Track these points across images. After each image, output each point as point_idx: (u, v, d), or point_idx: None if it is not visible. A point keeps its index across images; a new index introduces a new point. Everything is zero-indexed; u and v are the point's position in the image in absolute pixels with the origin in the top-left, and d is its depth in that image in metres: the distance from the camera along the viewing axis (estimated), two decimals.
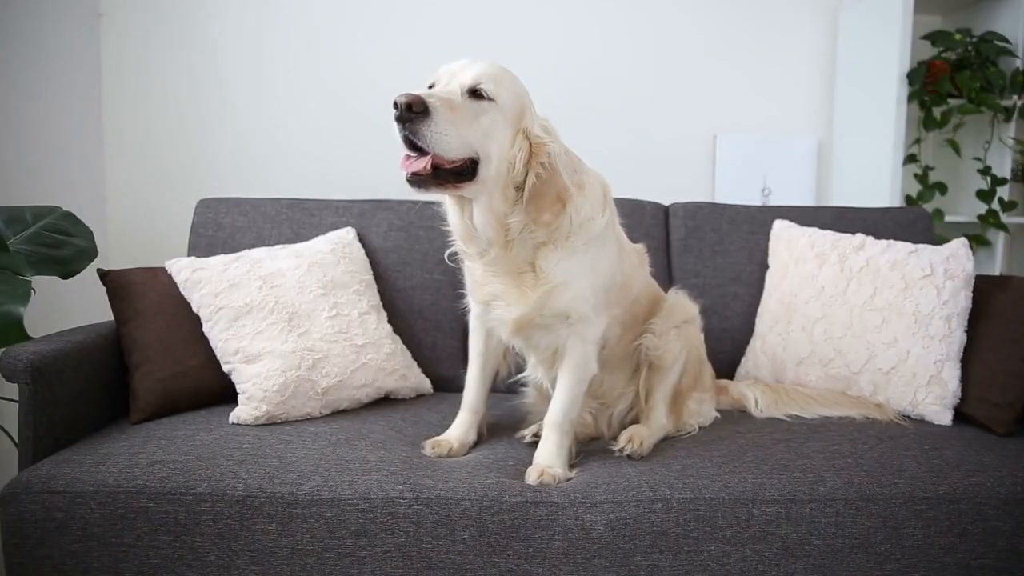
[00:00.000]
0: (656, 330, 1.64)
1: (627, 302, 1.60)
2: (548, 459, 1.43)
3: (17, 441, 1.49)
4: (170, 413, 1.68)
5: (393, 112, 1.24)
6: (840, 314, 1.85)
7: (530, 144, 1.34)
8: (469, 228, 1.40)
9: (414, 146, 1.27)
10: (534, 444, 1.52)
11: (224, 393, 1.72)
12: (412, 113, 1.23)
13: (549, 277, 1.41)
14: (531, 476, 1.39)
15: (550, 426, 1.47)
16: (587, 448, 1.58)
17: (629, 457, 1.49)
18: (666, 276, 2.17)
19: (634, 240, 2.15)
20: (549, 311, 1.44)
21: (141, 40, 2.65)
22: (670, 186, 2.72)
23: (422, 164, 1.27)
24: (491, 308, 1.49)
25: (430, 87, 1.34)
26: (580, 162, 1.49)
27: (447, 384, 1.97)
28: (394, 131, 1.27)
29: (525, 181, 1.34)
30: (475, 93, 1.30)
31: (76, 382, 1.57)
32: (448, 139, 1.26)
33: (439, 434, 1.57)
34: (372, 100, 2.75)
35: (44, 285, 1.78)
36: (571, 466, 1.46)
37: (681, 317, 1.69)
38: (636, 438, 1.52)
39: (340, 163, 2.75)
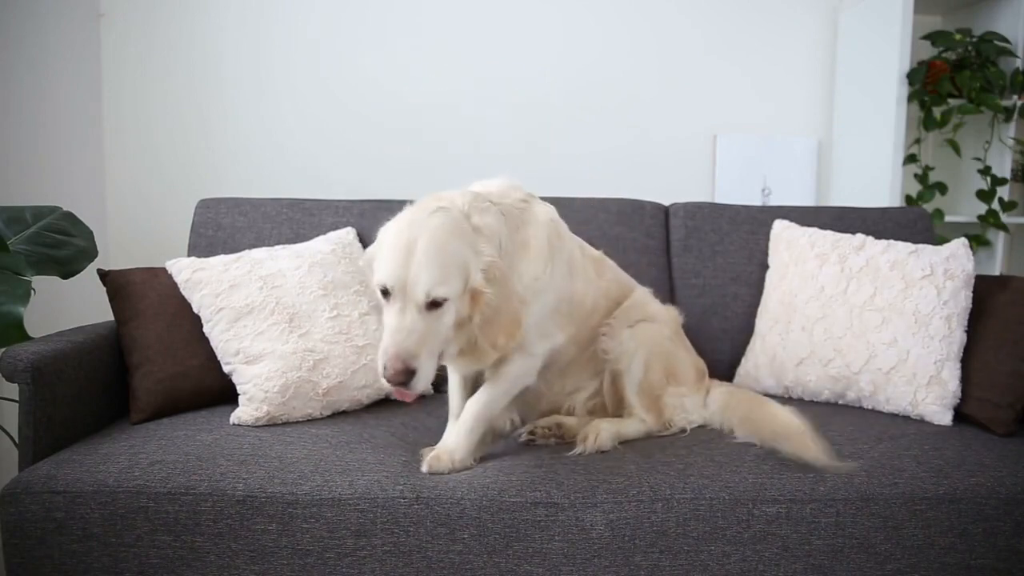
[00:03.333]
0: (609, 332, 1.66)
1: (581, 316, 1.63)
2: (454, 442, 1.44)
3: (17, 441, 1.49)
4: (170, 413, 1.68)
5: (383, 377, 1.26)
6: (840, 314, 1.84)
7: (472, 295, 1.33)
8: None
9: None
10: (530, 442, 1.54)
11: (224, 393, 1.72)
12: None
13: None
14: (426, 457, 1.41)
15: (467, 411, 1.47)
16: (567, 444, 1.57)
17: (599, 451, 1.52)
18: (666, 276, 2.17)
19: (633, 240, 2.17)
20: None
21: (141, 40, 2.65)
22: (670, 186, 2.72)
23: (414, 397, 1.32)
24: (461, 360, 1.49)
25: (383, 291, 1.30)
26: (525, 210, 1.51)
27: (447, 385, 1.97)
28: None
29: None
30: (433, 304, 1.28)
31: (76, 382, 1.57)
32: (430, 372, 1.29)
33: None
34: (372, 100, 2.76)
35: (44, 285, 1.78)
36: (479, 458, 1.47)
37: (637, 316, 1.70)
38: (592, 435, 1.53)
39: (340, 163, 2.75)
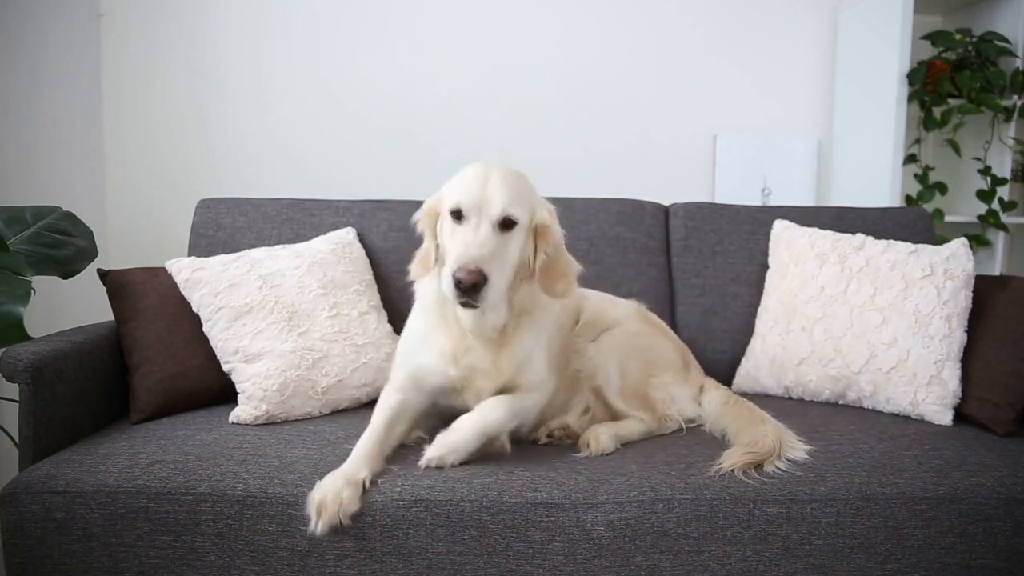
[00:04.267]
0: (577, 350, 1.67)
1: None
2: (455, 441, 1.40)
3: (17, 441, 1.49)
4: (170, 413, 1.68)
5: (451, 285, 1.30)
6: (840, 314, 1.85)
7: (536, 231, 1.43)
8: (482, 324, 1.45)
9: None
10: (548, 444, 1.55)
11: (224, 393, 1.72)
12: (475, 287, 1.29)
13: (512, 340, 1.48)
14: (430, 451, 1.39)
15: (474, 414, 1.43)
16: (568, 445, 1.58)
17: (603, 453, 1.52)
18: (666, 276, 2.17)
19: (633, 240, 2.17)
20: (517, 377, 1.50)
21: (141, 40, 2.65)
22: (670, 186, 2.72)
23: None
24: (470, 382, 1.49)
25: (454, 212, 1.37)
26: None
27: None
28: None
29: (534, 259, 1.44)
30: (505, 224, 1.36)
31: (76, 382, 1.57)
32: (499, 291, 1.35)
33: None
34: (372, 100, 2.76)
35: (44, 285, 1.78)
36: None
37: (598, 328, 1.70)
38: (592, 440, 1.53)
39: (340, 163, 2.75)
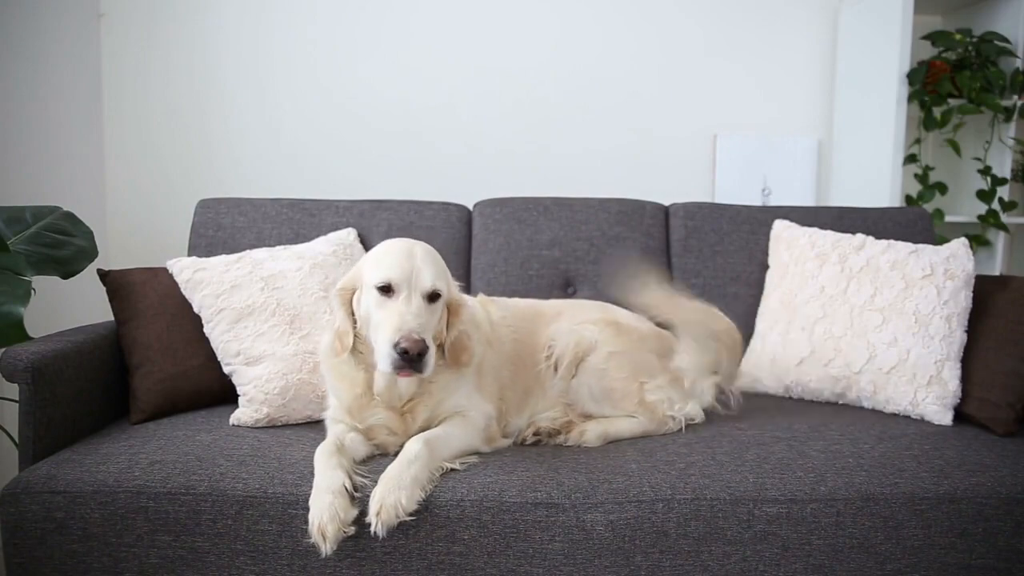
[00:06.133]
0: (563, 391, 1.67)
1: (528, 365, 1.68)
2: (393, 485, 1.29)
3: (17, 441, 1.49)
4: (170, 413, 1.68)
5: (393, 355, 1.32)
6: (840, 314, 1.85)
7: (448, 307, 1.48)
8: (395, 389, 1.47)
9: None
10: (536, 443, 1.56)
11: (224, 394, 1.72)
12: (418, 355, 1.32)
13: (426, 400, 1.49)
14: (373, 506, 1.26)
15: (411, 450, 1.36)
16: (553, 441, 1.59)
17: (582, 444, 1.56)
18: (666, 276, 2.17)
19: (633, 240, 2.17)
20: (435, 423, 1.50)
21: (141, 40, 2.65)
22: (670, 186, 2.72)
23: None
24: (374, 434, 1.48)
25: (383, 287, 1.39)
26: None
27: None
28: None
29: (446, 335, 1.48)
30: (432, 296, 1.41)
31: (76, 382, 1.57)
32: (433, 358, 1.37)
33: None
34: (371, 101, 2.76)
35: (44, 285, 1.78)
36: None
37: (573, 362, 1.66)
38: (575, 431, 1.58)
39: (340, 163, 2.75)
